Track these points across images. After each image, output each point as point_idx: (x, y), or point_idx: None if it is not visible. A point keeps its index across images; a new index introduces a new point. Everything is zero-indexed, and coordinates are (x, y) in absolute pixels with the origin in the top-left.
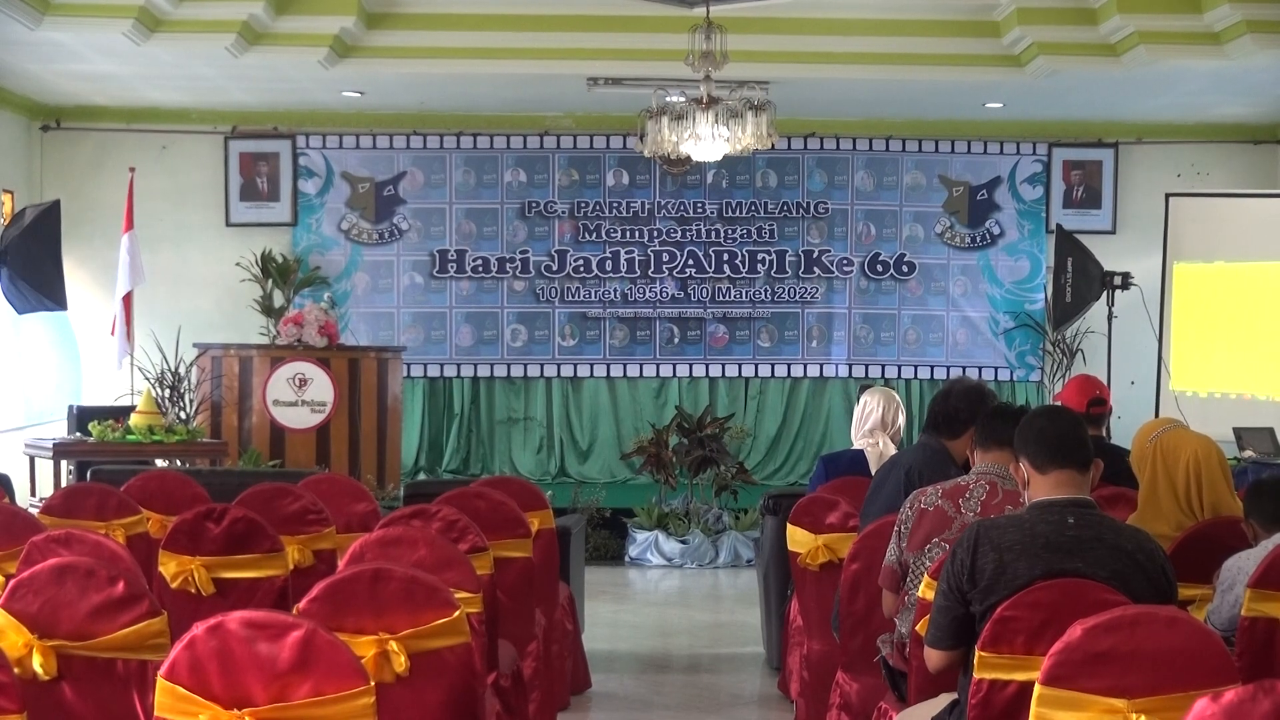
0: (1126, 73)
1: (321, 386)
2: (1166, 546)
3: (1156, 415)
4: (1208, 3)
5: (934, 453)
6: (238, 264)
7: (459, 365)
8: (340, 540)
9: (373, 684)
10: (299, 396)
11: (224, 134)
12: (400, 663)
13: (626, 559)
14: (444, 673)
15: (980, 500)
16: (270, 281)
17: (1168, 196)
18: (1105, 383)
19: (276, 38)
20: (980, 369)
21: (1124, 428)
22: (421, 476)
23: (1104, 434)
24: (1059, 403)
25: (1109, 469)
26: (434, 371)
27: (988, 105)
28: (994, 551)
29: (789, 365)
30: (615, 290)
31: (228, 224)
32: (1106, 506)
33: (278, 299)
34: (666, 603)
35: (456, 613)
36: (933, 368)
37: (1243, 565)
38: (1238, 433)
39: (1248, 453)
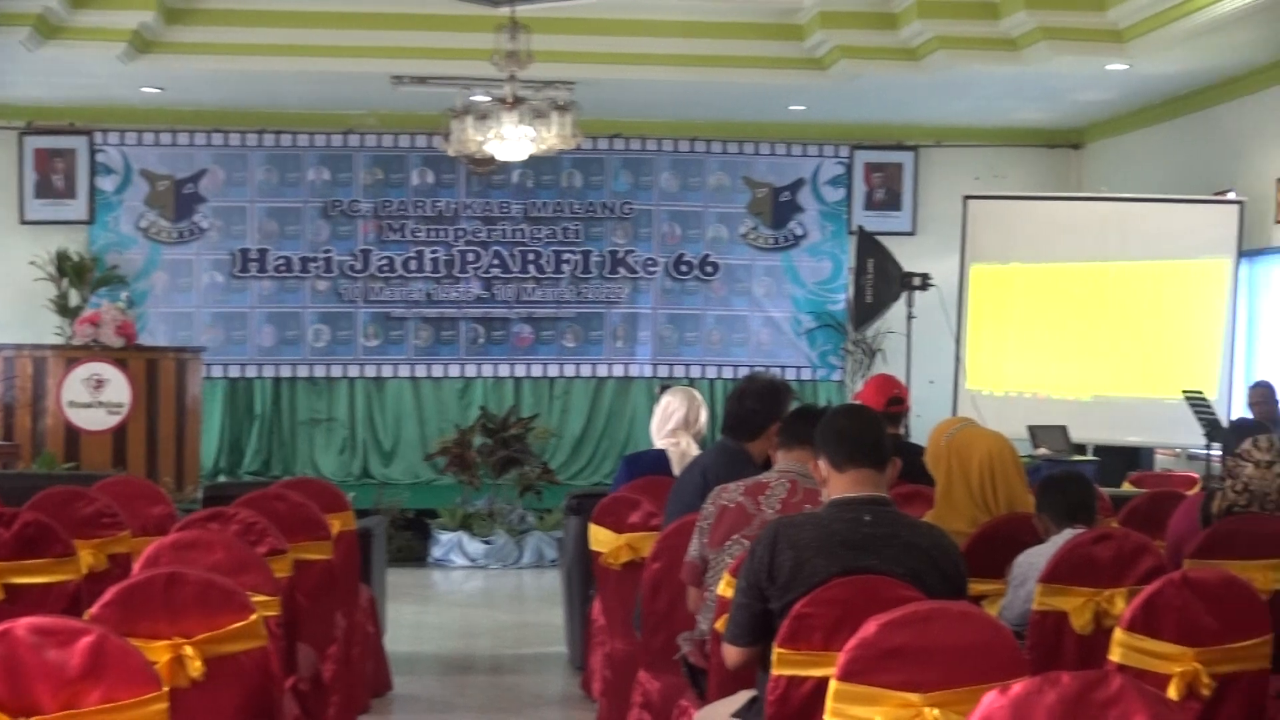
0: (926, 77)
1: (118, 388)
2: (962, 543)
3: (954, 414)
4: (1005, 9)
5: (731, 454)
6: (32, 263)
7: (260, 366)
8: (135, 544)
9: (166, 689)
10: (95, 398)
11: (18, 129)
12: (195, 667)
13: (430, 560)
14: (240, 677)
15: (780, 498)
16: (66, 280)
17: (965, 199)
18: (904, 382)
19: (74, 31)
20: (783, 368)
21: (923, 426)
22: (221, 479)
23: (903, 432)
24: (859, 402)
25: (907, 467)
26: (235, 372)
27: (791, 108)
28: (792, 549)
29: (594, 365)
30: (420, 290)
31: (22, 221)
32: (904, 504)
33: (74, 298)
34: (470, 604)
35: (253, 616)
36: (737, 367)
37: (1034, 561)
38: (1032, 431)
39: (1041, 450)
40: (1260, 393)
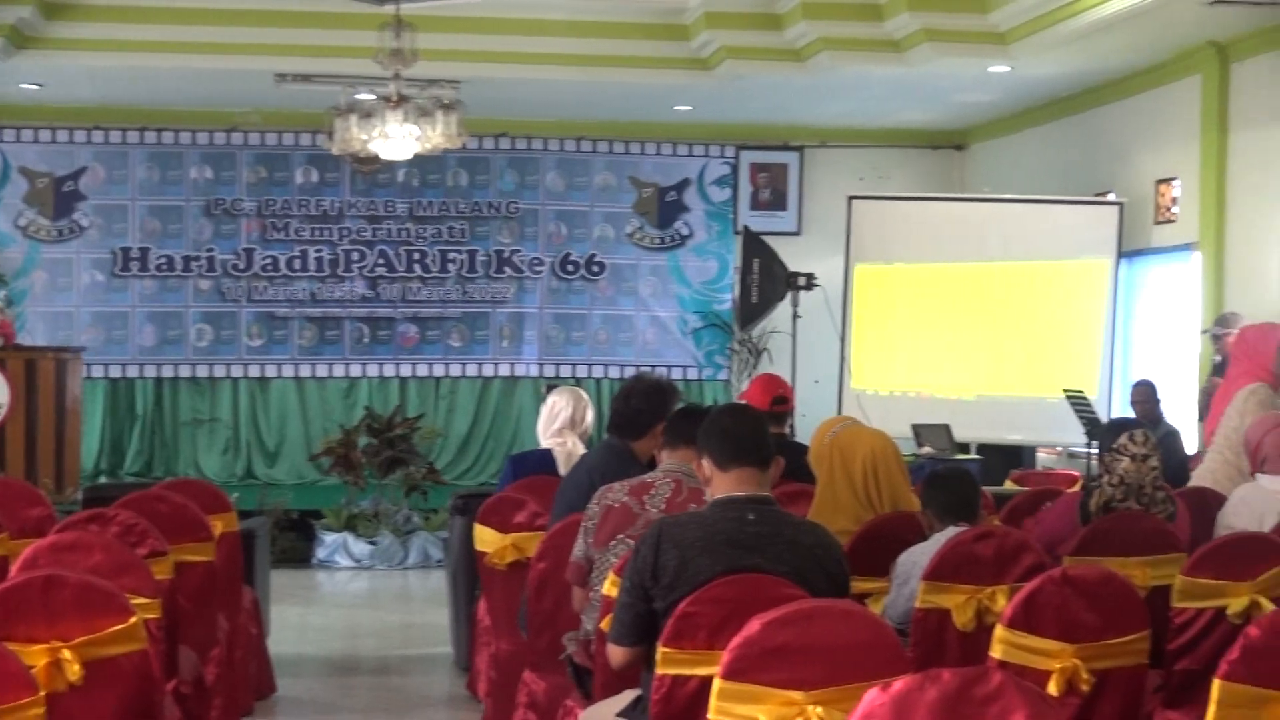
0: (811, 78)
1: None
2: (846, 541)
3: (839, 414)
4: (889, 11)
5: (617, 454)
6: None
7: (142, 366)
8: (13, 546)
9: (43, 694)
10: None
11: None
12: (73, 671)
13: (315, 561)
14: (120, 680)
15: (665, 497)
16: None
17: (850, 199)
18: (789, 381)
19: None
20: (669, 368)
21: (808, 425)
22: (102, 480)
23: (788, 432)
24: (743, 401)
25: (791, 466)
26: (116, 372)
27: (677, 108)
28: (676, 548)
29: (480, 365)
30: (304, 290)
31: None
32: (787, 503)
33: None
34: (355, 605)
35: (133, 619)
36: (623, 367)
37: (917, 559)
38: (916, 429)
39: (925, 449)
40: (1142, 391)
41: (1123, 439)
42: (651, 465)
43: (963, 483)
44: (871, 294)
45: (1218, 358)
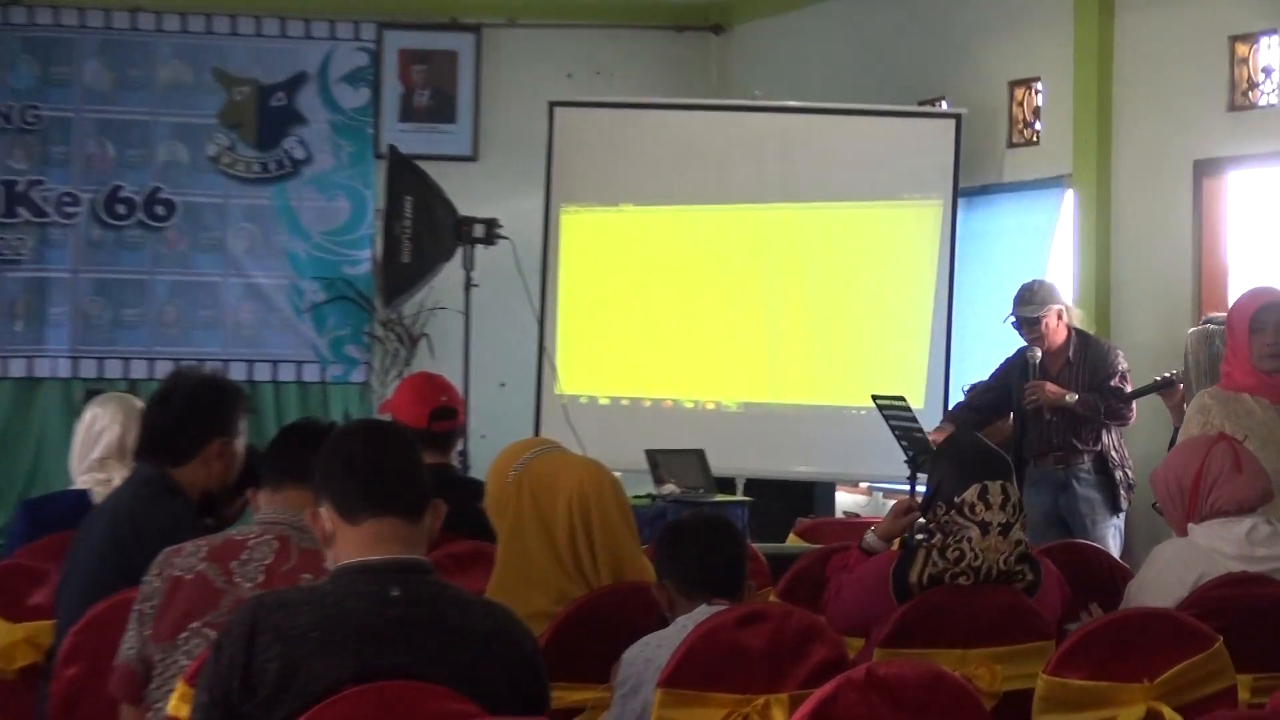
0: None
1: None
2: (543, 627)
3: (536, 433)
4: None
5: (153, 490)
6: None
7: None
8: None
9: None
10: None
11: None
12: None
13: None
14: None
15: (264, 565)
16: None
17: (552, 107)
18: (458, 385)
19: None
20: (275, 363)
21: (489, 450)
22: None
23: (456, 463)
24: (386, 416)
25: (460, 513)
26: None
27: None
28: (280, 643)
29: None
30: None
31: None
32: (455, 571)
33: None
34: None
35: None
36: (204, 362)
37: (652, 655)
38: (653, 458)
39: (667, 487)
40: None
41: (971, 493)
42: (208, 506)
43: (720, 539)
44: (587, 252)
45: (1034, 354)
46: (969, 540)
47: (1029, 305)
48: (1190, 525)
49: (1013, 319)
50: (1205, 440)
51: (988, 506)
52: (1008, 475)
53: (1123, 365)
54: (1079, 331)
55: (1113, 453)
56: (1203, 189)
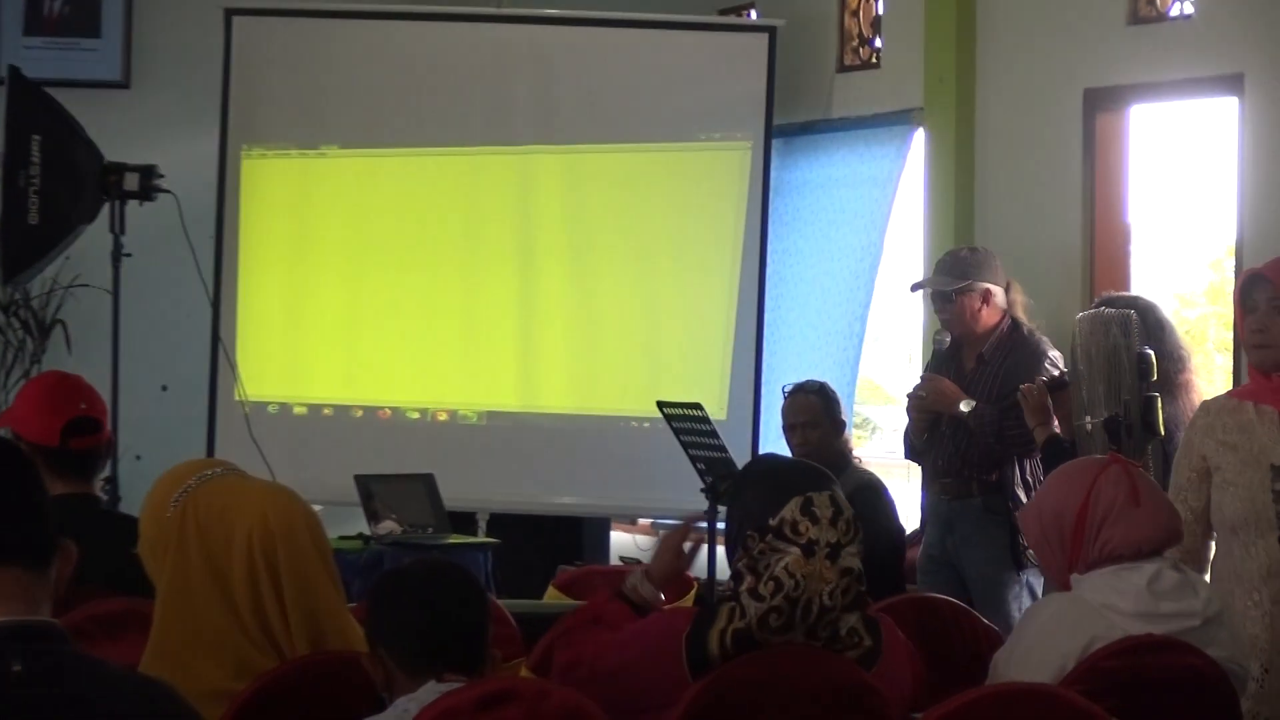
0: None
1: None
2: (219, 711)
3: (210, 451)
4: None
5: None
6: None
7: None
8: None
9: None
10: None
11: None
12: None
13: None
14: None
15: None
16: None
17: (229, 15)
18: (105, 389)
19: None
20: None
21: (147, 475)
22: None
23: (103, 491)
24: (3, 431)
25: (103, 560)
26: None
27: None
28: None
29: None
30: None
31: None
32: (100, 637)
33: None
34: None
35: None
36: None
37: None
38: (363, 485)
39: (384, 524)
40: (804, 406)
41: (790, 508)
42: None
43: (454, 595)
44: (277, 211)
45: (940, 340)
46: (786, 567)
47: (944, 277)
48: (1074, 576)
49: (924, 289)
50: (1090, 466)
51: (814, 521)
52: (833, 486)
53: (1054, 373)
54: (1016, 323)
55: (1015, 488)
56: (1096, 126)
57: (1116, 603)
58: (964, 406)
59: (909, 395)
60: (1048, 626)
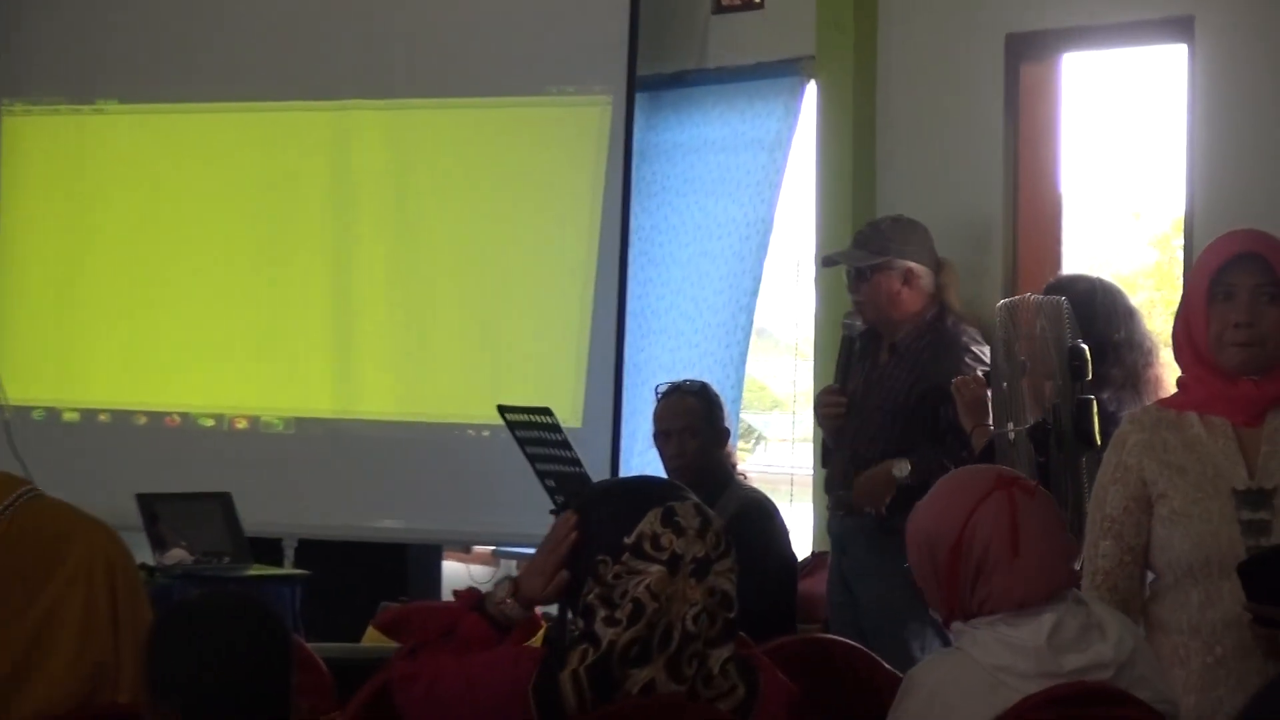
0: None
1: None
2: None
3: None
4: None
5: None
6: None
7: None
8: None
9: None
10: None
11: None
12: None
13: None
14: None
15: None
16: None
17: None
18: None
19: None
20: None
21: None
22: None
23: None
24: None
25: None
26: None
27: None
28: None
29: None
30: None
31: None
32: None
33: None
34: None
35: None
36: None
37: None
38: (147, 504)
39: (173, 552)
40: (682, 409)
41: (647, 522)
42: None
43: (252, 636)
44: (44, 177)
45: (850, 326)
46: (649, 587)
47: (859, 251)
48: (956, 625)
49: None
50: (972, 488)
51: (679, 533)
52: (695, 497)
53: (975, 370)
54: (944, 310)
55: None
56: (1020, 78)
57: (1013, 664)
58: (897, 472)
59: (817, 404)
60: (935, 703)
